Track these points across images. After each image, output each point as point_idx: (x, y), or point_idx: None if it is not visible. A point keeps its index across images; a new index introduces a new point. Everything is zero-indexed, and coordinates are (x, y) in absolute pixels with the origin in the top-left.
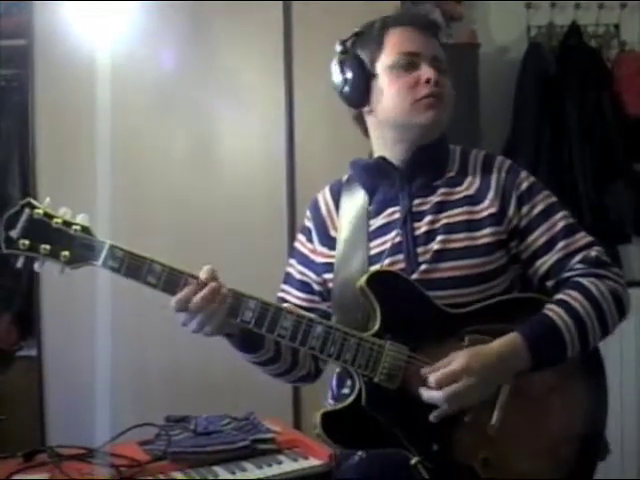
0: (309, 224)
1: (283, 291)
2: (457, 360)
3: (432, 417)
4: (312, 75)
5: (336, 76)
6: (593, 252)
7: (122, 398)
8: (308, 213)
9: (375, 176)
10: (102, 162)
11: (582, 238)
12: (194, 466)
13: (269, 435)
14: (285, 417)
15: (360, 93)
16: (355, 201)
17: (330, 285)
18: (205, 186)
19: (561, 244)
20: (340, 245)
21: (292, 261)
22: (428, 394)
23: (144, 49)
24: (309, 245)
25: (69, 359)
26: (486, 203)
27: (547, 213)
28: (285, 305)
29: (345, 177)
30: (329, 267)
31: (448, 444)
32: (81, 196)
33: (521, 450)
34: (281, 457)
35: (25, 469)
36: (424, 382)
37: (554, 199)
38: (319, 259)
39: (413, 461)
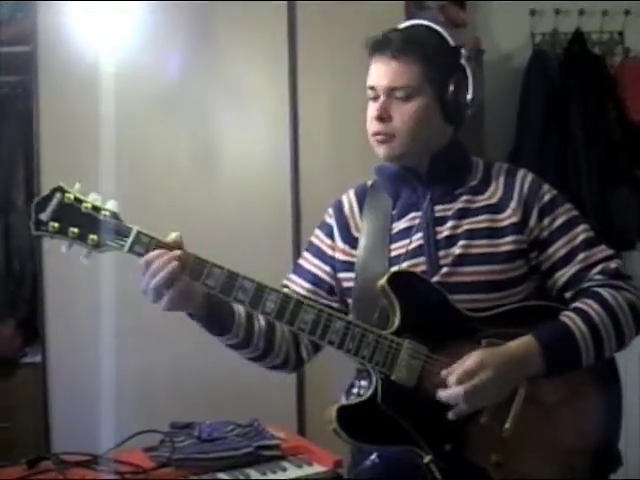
0: (330, 221)
1: (288, 279)
2: (472, 358)
3: (451, 415)
4: (316, 79)
5: None
6: (612, 264)
7: (126, 405)
8: (330, 211)
9: (398, 183)
10: (106, 167)
11: (602, 251)
12: (198, 473)
13: (273, 442)
14: (289, 423)
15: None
16: (379, 205)
17: (344, 284)
18: (209, 191)
19: (581, 256)
20: (362, 246)
21: (306, 254)
22: (446, 393)
23: (148, 55)
24: (328, 241)
25: (74, 366)
26: (508, 212)
27: (568, 226)
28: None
29: (370, 182)
30: (349, 266)
31: (461, 444)
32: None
33: (533, 455)
34: (285, 464)
35: (29, 476)
36: (441, 382)
37: (575, 212)
38: (339, 256)
39: (426, 460)
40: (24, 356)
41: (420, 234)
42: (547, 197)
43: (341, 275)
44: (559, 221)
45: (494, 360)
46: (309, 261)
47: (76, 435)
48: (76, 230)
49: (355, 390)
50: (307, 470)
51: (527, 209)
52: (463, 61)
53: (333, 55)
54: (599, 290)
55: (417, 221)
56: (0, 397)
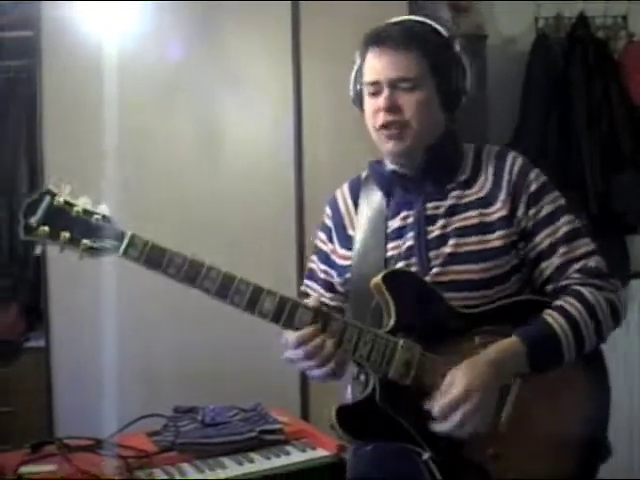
0: (329, 222)
1: (306, 286)
2: (456, 385)
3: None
4: (320, 68)
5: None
6: (592, 262)
7: (130, 389)
8: (328, 211)
9: (390, 182)
10: (109, 153)
11: (583, 246)
12: (202, 457)
13: (277, 426)
14: (293, 408)
15: (357, 100)
16: (374, 200)
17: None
18: (213, 178)
19: (562, 250)
20: (357, 244)
21: (314, 258)
22: (438, 427)
23: (152, 41)
24: (329, 245)
25: (77, 350)
26: (498, 205)
27: (551, 217)
28: (315, 296)
29: (364, 174)
30: (349, 268)
31: (459, 441)
32: (88, 187)
33: (528, 449)
34: (289, 448)
35: (33, 460)
36: (436, 380)
37: (562, 202)
38: (339, 261)
39: (425, 457)
40: (27, 341)
41: (412, 234)
42: (534, 186)
43: (347, 277)
44: (543, 212)
45: (480, 381)
46: (319, 267)
47: (79, 419)
48: (67, 234)
49: (362, 378)
50: (311, 454)
51: (515, 199)
52: (458, 50)
53: (337, 42)
54: (581, 289)
55: (410, 220)
56: (3, 382)
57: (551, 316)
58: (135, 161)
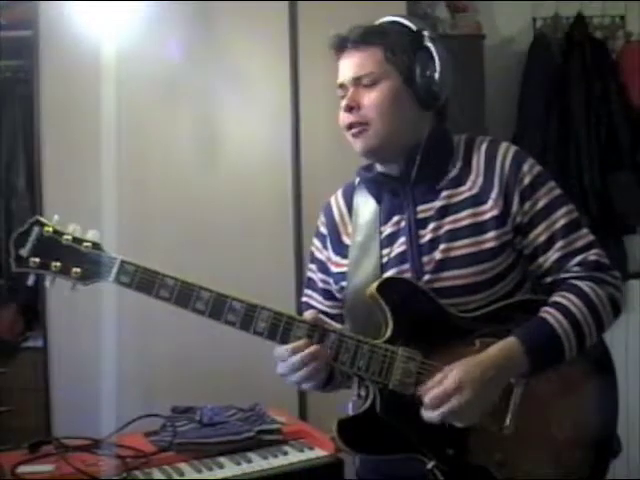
0: (324, 230)
1: (307, 296)
2: (449, 378)
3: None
4: (318, 67)
5: None
6: (592, 255)
7: (128, 389)
8: (322, 218)
9: (379, 187)
10: (107, 153)
11: (582, 237)
12: (200, 457)
13: (275, 426)
14: (291, 408)
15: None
16: (367, 206)
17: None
18: (210, 177)
19: (560, 243)
20: (353, 252)
21: (312, 267)
22: (426, 415)
23: (150, 40)
24: (325, 252)
25: (75, 350)
26: (490, 204)
27: (548, 210)
28: (311, 311)
29: (357, 180)
30: (344, 276)
31: (463, 448)
32: (86, 188)
33: (536, 451)
34: (287, 448)
35: (31, 460)
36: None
37: (557, 192)
38: (334, 269)
39: (429, 466)
40: (25, 340)
41: (404, 239)
42: (527, 179)
43: (343, 284)
44: (539, 205)
45: (473, 377)
46: (317, 275)
47: (77, 419)
48: (58, 264)
49: (362, 392)
50: (308, 454)
51: (508, 195)
52: (427, 43)
53: None
54: (580, 284)
55: (402, 225)
56: (1, 381)
57: (551, 315)
58: (133, 161)
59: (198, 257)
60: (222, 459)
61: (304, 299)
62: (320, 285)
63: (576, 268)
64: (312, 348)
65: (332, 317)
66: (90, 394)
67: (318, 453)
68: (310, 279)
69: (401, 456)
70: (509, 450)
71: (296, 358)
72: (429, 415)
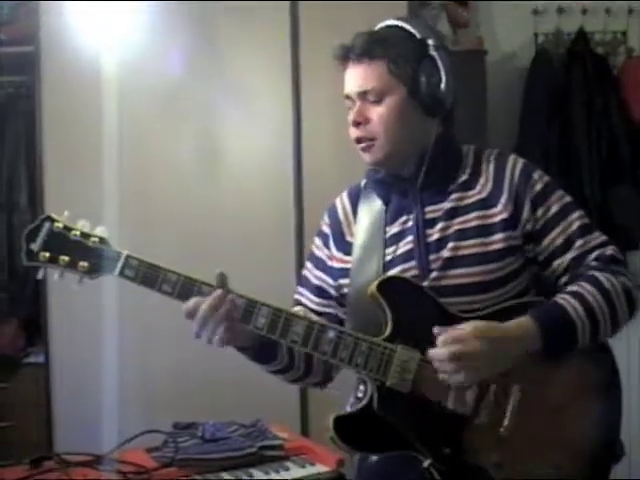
0: (326, 229)
1: (299, 293)
2: (467, 325)
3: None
4: (319, 78)
5: None
6: (609, 251)
7: (129, 405)
8: (326, 218)
9: (387, 188)
10: (109, 167)
11: (598, 237)
12: (201, 473)
13: (276, 442)
14: (292, 423)
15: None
16: (372, 207)
17: (346, 290)
18: (212, 189)
19: (578, 243)
20: (356, 251)
21: (309, 264)
22: (433, 351)
23: (151, 54)
24: (325, 250)
25: (76, 366)
26: (499, 207)
27: (562, 214)
28: (298, 308)
29: (363, 182)
30: (345, 272)
31: (460, 447)
32: (88, 201)
33: (534, 453)
34: (288, 464)
35: (32, 476)
36: (436, 386)
37: (568, 199)
38: (335, 264)
39: (425, 464)
40: (27, 356)
41: (411, 237)
42: (538, 187)
43: (341, 282)
44: (553, 210)
45: (490, 333)
46: (313, 273)
47: (79, 435)
48: (66, 258)
49: (360, 394)
50: (310, 470)
51: (518, 202)
52: (432, 51)
53: None
54: (594, 273)
55: (409, 224)
56: (3, 397)
57: (565, 299)
58: (135, 175)
59: (200, 270)
60: (224, 475)
61: (296, 296)
62: (314, 282)
63: (593, 263)
64: (209, 299)
65: (319, 315)
66: (91, 409)
67: (320, 469)
68: (304, 277)
69: (398, 453)
70: (507, 451)
71: (199, 313)
72: (436, 351)
